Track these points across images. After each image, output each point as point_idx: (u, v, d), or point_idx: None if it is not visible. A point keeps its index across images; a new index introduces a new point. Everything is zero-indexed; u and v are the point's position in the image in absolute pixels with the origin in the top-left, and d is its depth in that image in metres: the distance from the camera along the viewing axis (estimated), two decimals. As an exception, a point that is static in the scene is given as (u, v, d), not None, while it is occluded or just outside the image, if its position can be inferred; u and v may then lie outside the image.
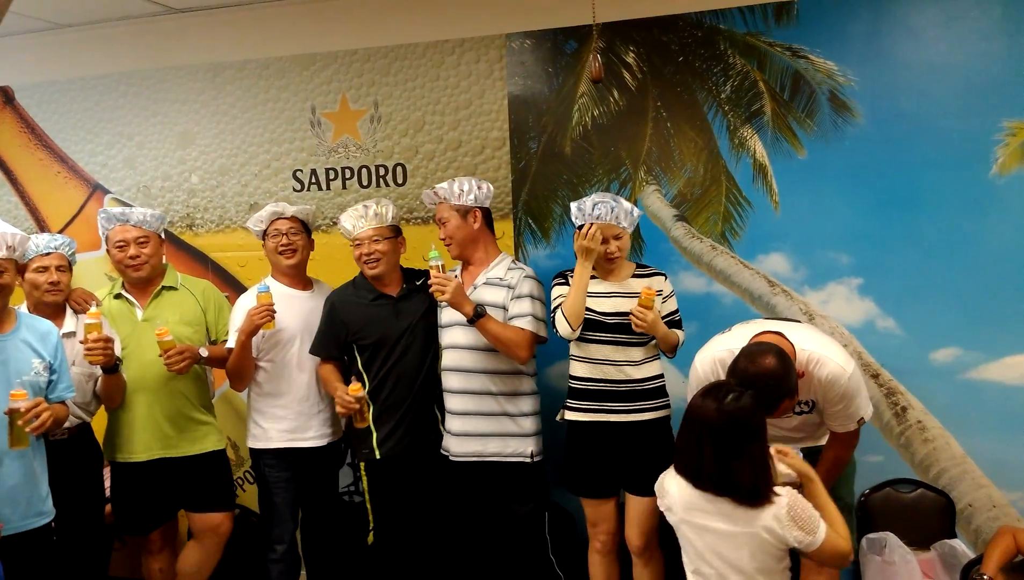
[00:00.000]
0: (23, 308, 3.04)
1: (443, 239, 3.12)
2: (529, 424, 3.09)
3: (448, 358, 3.13)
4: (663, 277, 3.05)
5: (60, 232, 4.00)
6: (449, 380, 3.13)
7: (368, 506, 3.22)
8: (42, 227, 4.17)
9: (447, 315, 3.09)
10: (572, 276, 2.95)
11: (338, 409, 3.09)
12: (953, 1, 3.09)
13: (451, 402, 3.13)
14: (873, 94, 3.17)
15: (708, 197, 3.37)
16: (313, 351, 3.23)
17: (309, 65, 3.76)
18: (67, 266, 3.14)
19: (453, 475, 3.15)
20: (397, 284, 3.21)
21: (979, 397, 3.13)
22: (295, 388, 3.28)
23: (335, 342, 3.19)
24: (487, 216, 3.13)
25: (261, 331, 3.15)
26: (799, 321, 3.01)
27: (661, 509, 2.29)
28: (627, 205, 2.96)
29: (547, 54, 3.50)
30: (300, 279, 3.36)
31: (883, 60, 3.16)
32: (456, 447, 3.12)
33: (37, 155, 4.18)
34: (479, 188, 3.08)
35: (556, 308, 2.97)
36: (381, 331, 3.14)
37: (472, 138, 3.59)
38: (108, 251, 3.29)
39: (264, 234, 3.32)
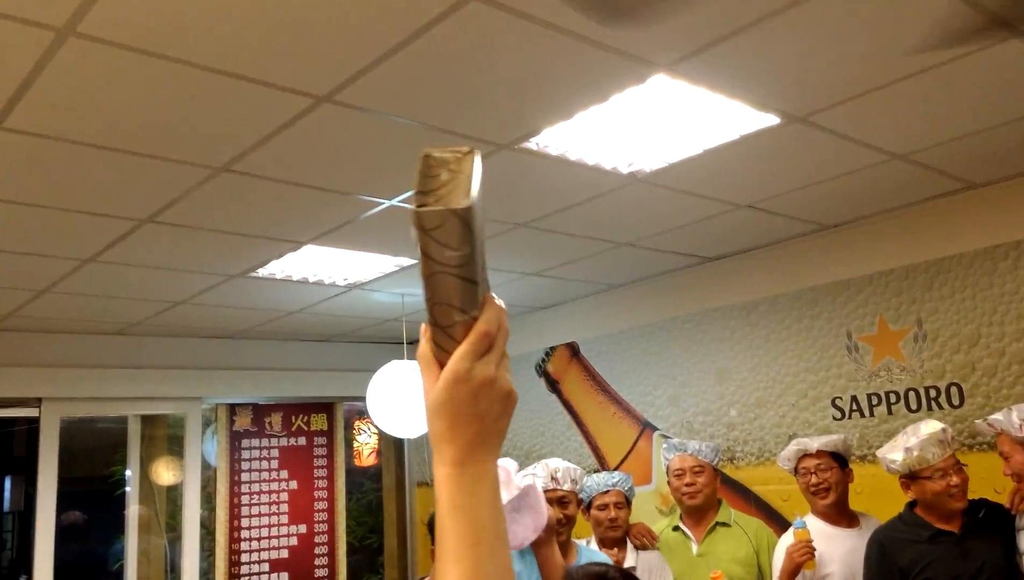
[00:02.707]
0: (590, 543, 3.33)
1: (1008, 475, 2.71)
2: None
3: None
4: None
5: (616, 468, 4.37)
6: None
7: None
8: (602, 464, 4.61)
9: None
10: None
11: None
12: None
13: None
14: None
15: None
16: None
17: (842, 291, 3.69)
18: (624, 502, 3.38)
19: None
20: (958, 519, 2.82)
21: None
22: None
23: None
24: None
25: (802, 571, 2.99)
26: None
27: None
28: None
29: None
30: (842, 514, 3.16)
31: None
32: None
33: (597, 399, 4.72)
34: None
35: None
36: (947, 573, 2.76)
37: (1045, 347, 3.09)
38: (668, 481, 3.49)
39: (795, 471, 3.22)
